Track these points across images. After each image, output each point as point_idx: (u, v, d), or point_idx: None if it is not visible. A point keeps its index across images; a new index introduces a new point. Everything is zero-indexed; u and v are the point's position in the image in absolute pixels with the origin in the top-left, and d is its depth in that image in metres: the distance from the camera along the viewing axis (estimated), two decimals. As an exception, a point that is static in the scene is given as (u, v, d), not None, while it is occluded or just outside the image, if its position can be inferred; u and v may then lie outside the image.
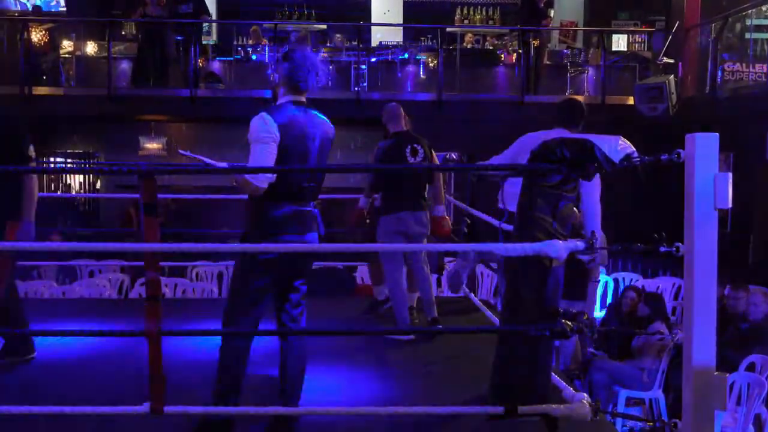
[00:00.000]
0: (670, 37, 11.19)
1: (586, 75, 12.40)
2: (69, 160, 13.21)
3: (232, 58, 12.62)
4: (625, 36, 13.89)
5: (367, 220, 5.89)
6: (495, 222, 4.85)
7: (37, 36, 11.98)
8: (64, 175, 13.45)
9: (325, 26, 13.81)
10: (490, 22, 14.78)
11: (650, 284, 8.61)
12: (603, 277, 8.60)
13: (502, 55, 12.92)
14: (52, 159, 12.82)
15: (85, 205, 13.07)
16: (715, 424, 2.42)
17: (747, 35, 10.57)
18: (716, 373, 2.41)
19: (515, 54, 12.39)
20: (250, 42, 12.96)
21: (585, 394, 3.08)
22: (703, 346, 2.40)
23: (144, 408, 2.69)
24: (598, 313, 7.86)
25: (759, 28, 10.43)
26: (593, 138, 2.82)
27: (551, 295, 3.10)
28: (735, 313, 6.35)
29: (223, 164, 3.18)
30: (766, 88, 9.65)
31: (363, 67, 11.99)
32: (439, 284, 7.36)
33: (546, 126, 4.77)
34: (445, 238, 5.91)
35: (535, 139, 3.91)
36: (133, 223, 11.11)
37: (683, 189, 2.43)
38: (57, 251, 8.33)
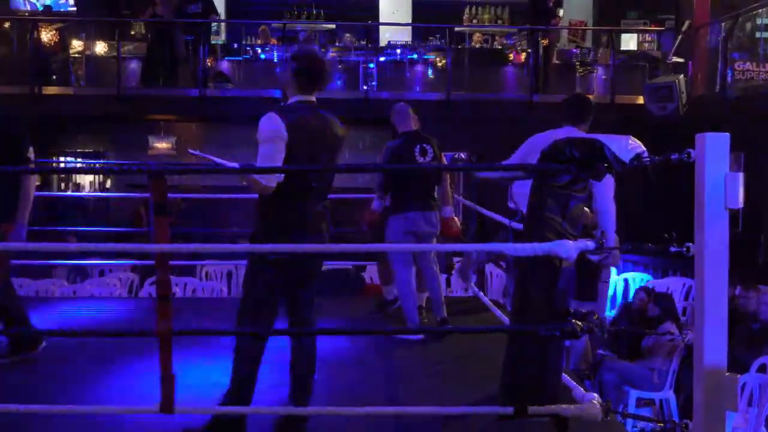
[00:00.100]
0: (680, 37, 11.16)
1: (595, 74, 12.36)
2: (79, 160, 13.27)
3: (241, 58, 12.65)
4: (635, 35, 13.84)
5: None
6: (505, 221, 4.85)
7: (46, 36, 12.03)
8: (74, 175, 13.51)
9: (333, 26, 13.82)
10: (499, 21, 14.75)
11: (660, 284, 8.59)
12: (613, 278, 8.58)
13: (511, 55, 12.89)
14: (62, 159, 12.88)
15: (95, 205, 13.12)
16: (726, 424, 2.41)
17: (758, 34, 10.52)
18: (727, 373, 2.40)
19: (524, 53, 12.37)
20: (259, 42, 12.98)
21: (595, 395, 3.07)
22: (714, 347, 2.39)
23: (155, 407, 2.70)
24: (608, 313, 7.84)
25: (770, 27, 10.39)
26: (603, 138, 2.81)
27: (561, 296, 3.09)
28: (746, 313, 6.33)
29: (233, 164, 3.18)
30: (776, 88, 9.61)
31: (371, 66, 11.99)
32: (448, 284, 7.36)
33: (555, 124, 4.77)
34: (454, 239, 5.90)
35: (545, 140, 3.91)
36: (143, 222, 11.15)
37: (694, 189, 2.42)
38: (67, 252, 8.35)
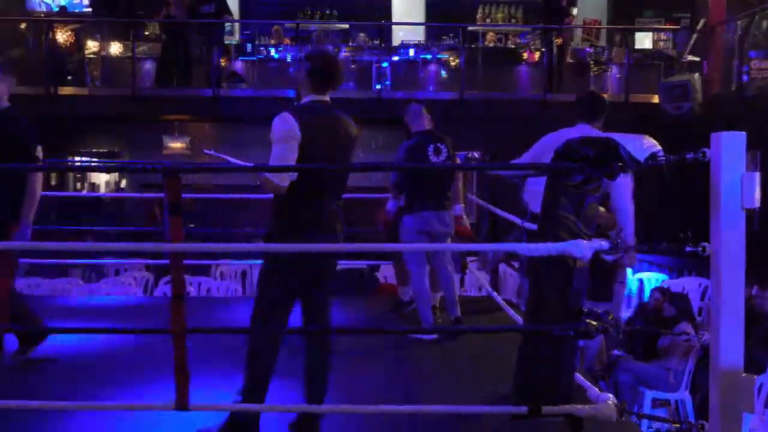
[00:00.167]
0: (695, 35, 11.08)
1: (609, 73, 12.30)
2: (94, 160, 13.35)
3: (254, 58, 12.68)
4: (650, 34, 13.77)
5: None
6: (518, 221, 4.84)
7: (62, 37, 12.12)
8: (89, 175, 13.60)
9: (347, 26, 13.83)
10: (513, 20, 14.72)
11: (676, 284, 8.54)
12: (629, 278, 8.53)
13: (525, 54, 12.86)
14: (77, 159, 12.97)
15: (110, 205, 13.20)
16: (742, 426, 2.40)
17: (774, 32, 10.44)
18: (744, 374, 2.38)
19: (537, 52, 12.33)
20: (272, 42, 13.02)
21: (610, 395, 3.06)
22: (730, 347, 2.38)
23: (170, 403, 2.72)
24: (624, 314, 7.80)
25: (786, 25, 10.30)
26: (618, 137, 2.80)
27: (575, 295, 3.08)
28: (762, 313, 6.28)
29: (247, 163, 3.19)
30: (793, 86, 9.53)
31: (385, 65, 11.99)
32: (462, 284, 7.35)
33: (568, 123, 4.75)
34: (466, 238, 5.90)
35: (559, 138, 3.89)
36: (158, 221, 11.21)
37: (709, 188, 2.40)
38: (80, 251, 8.40)
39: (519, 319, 5.03)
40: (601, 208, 3.97)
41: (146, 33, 13.02)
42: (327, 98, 3.41)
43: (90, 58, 12.52)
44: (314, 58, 3.39)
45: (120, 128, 12.76)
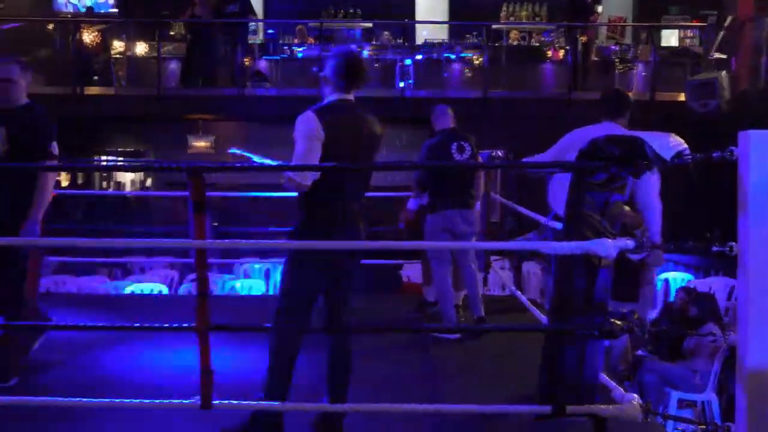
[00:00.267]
0: (722, 32, 10.94)
1: (635, 71, 12.19)
2: (120, 159, 13.49)
3: (278, 57, 12.73)
4: (676, 31, 13.62)
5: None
6: (543, 219, 4.81)
7: (88, 37, 12.25)
8: (115, 174, 13.74)
9: (370, 24, 13.83)
10: (537, 18, 14.64)
11: (702, 284, 8.44)
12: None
13: (549, 52, 12.79)
14: (103, 158, 13.11)
15: (136, 203, 13.34)
16: (770, 427, 2.36)
17: (803, 28, 10.28)
18: (771, 375, 2.35)
19: (562, 51, 12.25)
20: (296, 41, 13.06)
21: (635, 395, 3.03)
22: (757, 348, 2.35)
23: (194, 401, 2.73)
24: (650, 314, 7.73)
25: (816, 21, 10.14)
26: (644, 135, 2.77)
27: (600, 295, 3.05)
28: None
29: (272, 161, 3.20)
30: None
31: (408, 64, 11.98)
32: (485, 283, 7.33)
33: (593, 121, 4.71)
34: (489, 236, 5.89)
35: (583, 135, 3.86)
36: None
37: (736, 187, 2.37)
38: (104, 248, 8.49)
39: (543, 318, 5.00)
40: (627, 207, 3.93)
41: (171, 33, 13.13)
42: (351, 97, 3.41)
43: (116, 58, 12.65)
44: (338, 57, 3.39)
45: (145, 128, 12.88)
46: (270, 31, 14.17)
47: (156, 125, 12.62)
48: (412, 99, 11.22)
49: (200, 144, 12.82)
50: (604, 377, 3.44)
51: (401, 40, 13.08)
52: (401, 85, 11.78)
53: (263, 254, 9.18)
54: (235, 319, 5.19)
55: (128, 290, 7.79)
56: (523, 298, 6.01)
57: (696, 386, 5.78)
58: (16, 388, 3.87)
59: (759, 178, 2.33)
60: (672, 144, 2.71)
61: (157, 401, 2.96)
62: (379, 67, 12.16)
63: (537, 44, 13.30)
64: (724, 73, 9.81)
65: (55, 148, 4.10)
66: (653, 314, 7.14)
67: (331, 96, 3.40)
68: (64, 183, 12.85)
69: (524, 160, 4.71)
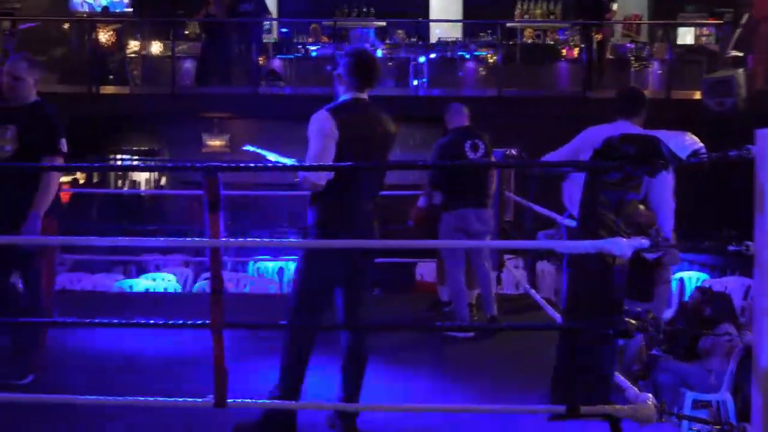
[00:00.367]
0: (739, 30, 10.86)
1: (650, 69, 12.12)
2: (135, 158, 13.56)
3: (292, 56, 12.75)
4: (692, 29, 13.53)
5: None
6: (558, 218, 4.80)
7: (104, 36, 12.32)
8: (130, 172, 13.82)
9: (384, 23, 13.83)
10: (551, 16, 14.57)
11: (718, 284, 8.38)
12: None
13: (564, 50, 12.73)
14: (119, 157, 13.19)
15: (151, 201, 13.41)
16: (786, 428, 2.34)
17: (821, 26, 10.19)
18: (788, 375, 2.33)
19: (577, 49, 12.19)
20: (310, 40, 13.08)
21: (649, 395, 3.01)
22: (774, 348, 2.33)
23: (208, 400, 2.74)
24: (666, 313, 7.68)
25: (834, 19, 10.04)
26: (659, 134, 2.76)
27: (614, 294, 3.04)
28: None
29: (288, 160, 3.21)
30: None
31: (421, 61, 11.96)
32: (499, 281, 7.31)
33: (608, 120, 4.69)
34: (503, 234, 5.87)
35: (598, 134, 3.85)
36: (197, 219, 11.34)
37: (747, 186, 2.35)
38: (123, 247, 8.53)
39: (557, 317, 4.99)
40: (641, 206, 3.91)
41: (186, 32, 13.18)
42: (365, 96, 3.41)
43: (131, 57, 12.71)
44: (352, 55, 3.39)
45: (160, 126, 12.95)
46: (284, 30, 14.21)
47: (171, 124, 12.68)
48: (425, 98, 11.21)
49: (215, 143, 12.87)
50: (619, 377, 3.42)
51: (415, 39, 13.06)
52: (415, 83, 11.76)
53: (277, 252, 9.20)
54: (250, 317, 5.21)
55: (142, 288, 7.83)
56: (538, 297, 5.99)
57: (711, 386, 5.74)
58: (31, 386, 3.90)
59: (777, 177, 2.31)
60: (688, 143, 2.69)
61: (171, 400, 2.97)
62: (392, 65, 12.15)
63: (551, 42, 13.25)
64: (740, 70, 9.72)
65: (64, 145, 4.07)
66: (669, 314, 7.10)
67: (344, 95, 3.40)
68: (81, 181, 12.96)
69: (540, 160, 4.70)
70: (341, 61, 3.41)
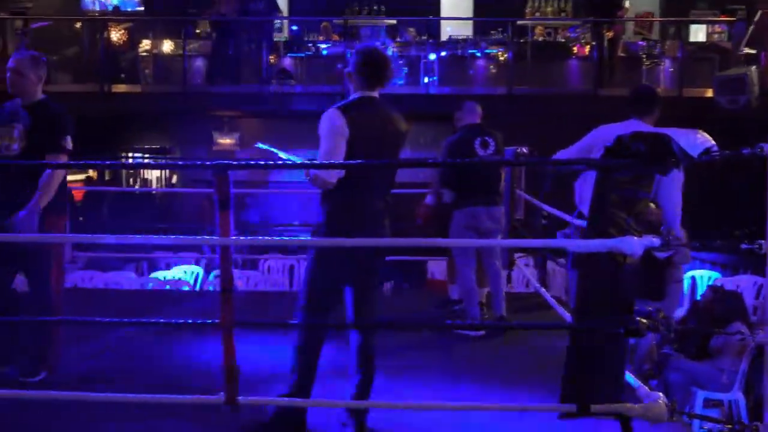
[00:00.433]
0: (751, 27, 10.78)
1: (662, 67, 12.05)
2: (146, 155, 13.61)
3: (303, 54, 12.76)
4: (704, 26, 13.45)
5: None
6: (568, 217, 4.78)
7: (115, 35, 12.37)
8: (141, 170, 13.88)
9: (395, 21, 13.81)
10: (562, 14, 14.51)
11: (730, 282, 8.34)
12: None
13: (575, 48, 12.67)
14: (130, 154, 13.24)
15: (162, 199, 13.47)
16: (798, 428, 2.33)
17: (835, 23, 10.11)
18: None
19: (588, 46, 12.14)
20: (321, 38, 13.08)
21: (660, 394, 3.00)
22: (786, 347, 2.32)
23: (219, 397, 2.75)
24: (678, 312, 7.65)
25: None
26: (671, 132, 2.75)
27: (625, 293, 3.03)
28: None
29: (298, 158, 3.21)
30: None
31: (432, 58, 11.94)
32: (509, 280, 7.32)
33: (620, 118, 4.67)
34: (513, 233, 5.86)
35: (609, 132, 3.83)
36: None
37: (749, 184, 2.34)
38: (135, 245, 8.57)
39: (567, 316, 4.98)
40: (652, 204, 3.89)
41: (197, 31, 13.21)
42: (376, 94, 3.41)
43: (142, 56, 12.76)
44: (363, 54, 3.39)
45: (171, 125, 12.98)
46: (294, 29, 14.21)
47: (182, 122, 12.72)
48: (436, 96, 11.19)
49: (225, 141, 12.90)
50: (630, 376, 3.41)
51: (425, 37, 13.04)
52: (425, 81, 11.74)
53: (287, 250, 9.23)
54: (260, 314, 5.23)
55: (153, 284, 7.86)
56: (548, 296, 5.98)
57: (723, 385, 5.71)
58: (43, 383, 3.93)
59: (789, 175, 2.30)
60: (699, 141, 2.68)
61: (181, 397, 2.98)
62: (403, 63, 12.14)
63: (563, 40, 13.19)
64: (753, 68, 9.64)
65: (69, 143, 4.05)
66: (680, 312, 7.07)
67: (355, 93, 3.40)
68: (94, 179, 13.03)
69: (551, 158, 4.68)
70: (352, 60, 3.41)
